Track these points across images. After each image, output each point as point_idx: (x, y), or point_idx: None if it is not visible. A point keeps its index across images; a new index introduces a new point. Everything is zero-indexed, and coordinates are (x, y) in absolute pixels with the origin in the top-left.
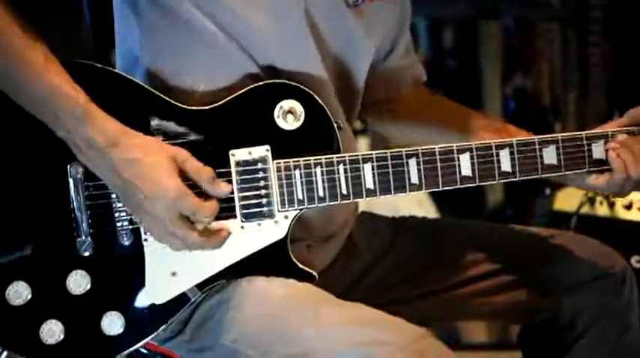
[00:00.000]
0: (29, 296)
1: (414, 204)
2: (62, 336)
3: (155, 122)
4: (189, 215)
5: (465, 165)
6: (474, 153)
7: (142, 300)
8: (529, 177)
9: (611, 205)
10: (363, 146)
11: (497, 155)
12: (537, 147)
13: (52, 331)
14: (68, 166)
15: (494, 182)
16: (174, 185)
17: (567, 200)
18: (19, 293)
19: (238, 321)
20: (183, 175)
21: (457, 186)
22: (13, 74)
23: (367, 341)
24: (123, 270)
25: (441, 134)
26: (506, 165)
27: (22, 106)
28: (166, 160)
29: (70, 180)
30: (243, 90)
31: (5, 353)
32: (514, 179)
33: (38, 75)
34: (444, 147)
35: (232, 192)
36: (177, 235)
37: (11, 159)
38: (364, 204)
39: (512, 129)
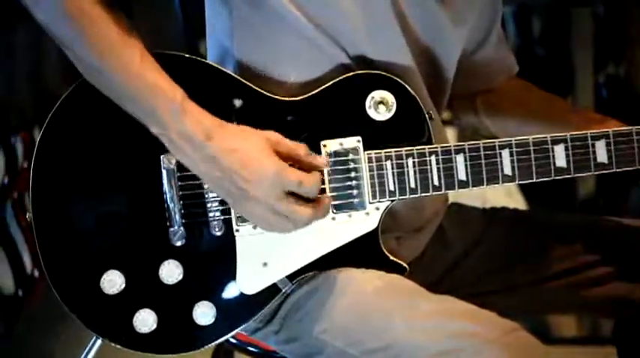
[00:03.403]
0: (123, 286)
1: (503, 195)
2: (155, 325)
3: (246, 112)
4: (294, 188)
5: (560, 156)
6: (569, 143)
7: (233, 291)
8: (626, 169)
9: None
10: (450, 137)
11: (593, 146)
12: (635, 137)
13: (146, 320)
14: (161, 156)
15: (589, 173)
16: (274, 162)
17: None
18: (114, 282)
19: (327, 312)
20: (280, 156)
21: (551, 178)
22: (108, 72)
23: (457, 333)
24: (214, 260)
25: (538, 124)
26: (602, 156)
27: (115, 102)
28: (262, 142)
29: (163, 171)
30: (334, 81)
31: (99, 341)
32: (610, 170)
33: (134, 73)
34: (538, 137)
35: (323, 183)
36: (284, 213)
37: (105, 150)
38: (452, 195)
39: (608, 120)
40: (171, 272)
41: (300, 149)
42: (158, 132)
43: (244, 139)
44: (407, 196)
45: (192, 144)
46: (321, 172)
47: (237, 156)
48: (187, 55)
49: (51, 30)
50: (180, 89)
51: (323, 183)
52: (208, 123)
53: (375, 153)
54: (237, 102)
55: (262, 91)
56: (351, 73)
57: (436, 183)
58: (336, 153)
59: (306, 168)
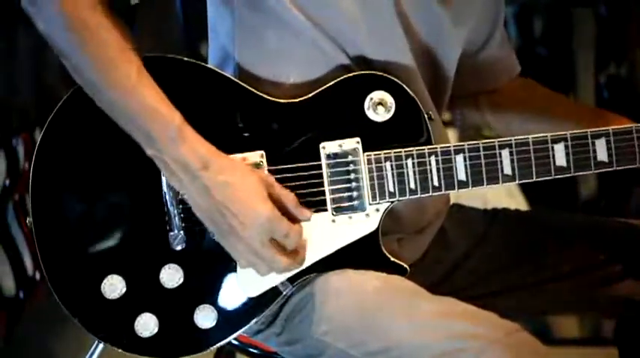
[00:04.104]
0: (124, 290)
1: (504, 195)
2: (156, 329)
3: (246, 116)
4: (280, 238)
5: (560, 155)
6: (569, 142)
7: (234, 294)
8: (627, 167)
9: None
10: (451, 138)
11: (593, 144)
12: (635, 135)
13: (147, 324)
14: None
15: (589, 172)
16: (268, 209)
17: None
18: (115, 286)
19: (329, 314)
20: (270, 199)
21: (551, 177)
22: (104, 87)
23: (459, 334)
24: (215, 264)
25: (541, 122)
26: (602, 155)
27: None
28: (258, 184)
29: (163, 175)
30: (332, 83)
31: (101, 346)
32: (611, 169)
33: (131, 90)
34: (538, 137)
35: (323, 185)
36: (265, 259)
37: (105, 154)
38: (453, 196)
39: (613, 116)
40: (171, 276)
41: (291, 197)
42: (153, 155)
43: (240, 176)
44: (407, 197)
45: (187, 172)
46: (321, 175)
47: (230, 192)
48: (186, 59)
49: (51, 40)
50: (178, 113)
51: (322, 185)
52: (205, 151)
53: (375, 155)
54: (236, 106)
55: (261, 94)
56: (350, 74)
57: (436, 183)
58: (335, 155)
59: (290, 216)
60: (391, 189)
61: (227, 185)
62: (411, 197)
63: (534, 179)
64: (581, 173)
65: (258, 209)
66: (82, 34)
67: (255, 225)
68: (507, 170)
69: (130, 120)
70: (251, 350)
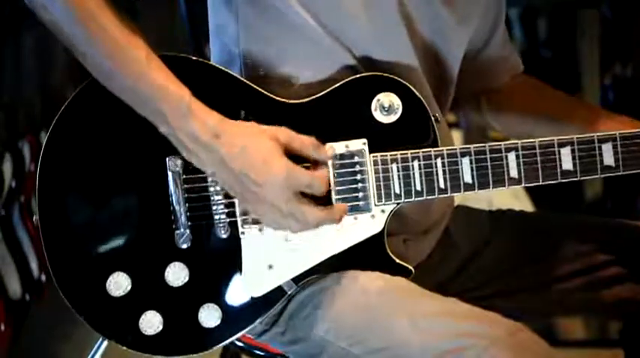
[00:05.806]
0: (129, 288)
1: (510, 197)
2: (161, 327)
3: (252, 116)
4: (304, 189)
5: (566, 159)
6: (575, 146)
7: (239, 293)
8: (634, 171)
9: None
10: (456, 139)
11: (600, 148)
12: None
13: (151, 322)
14: (167, 159)
15: (596, 176)
16: (283, 165)
17: None
18: (120, 284)
19: (331, 313)
20: (289, 153)
21: (558, 181)
22: (116, 73)
23: (462, 332)
24: (220, 263)
25: (542, 123)
26: (609, 159)
27: (126, 103)
28: (270, 142)
29: (169, 173)
30: (339, 84)
31: (106, 343)
32: (617, 173)
33: (142, 73)
34: (545, 140)
35: (329, 186)
36: (295, 215)
37: (111, 153)
38: (458, 198)
39: (617, 118)
40: (177, 274)
41: (309, 141)
42: (167, 133)
43: (252, 139)
44: (412, 199)
45: (201, 145)
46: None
47: (245, 158)
48: (194, 58)
49: (59, 33)
50: (187, 89)
51: (328, 186)
52: (215, 122)
53: (381, 156)
54: (244, 106)
55: (268, 94)
56: (357, 76)
57: (442, 185)
58: (341, 156)
59: (314, 161)
60: (397, 191)
61: (240, 152)
62: (416, 199)
63: (540, 183)
64: (587, 177)
65: (273, 168)
66: (90, 26)
67: (274, 184)
68: (513, 173)
69: (143, 102)
70: (256, 351)
